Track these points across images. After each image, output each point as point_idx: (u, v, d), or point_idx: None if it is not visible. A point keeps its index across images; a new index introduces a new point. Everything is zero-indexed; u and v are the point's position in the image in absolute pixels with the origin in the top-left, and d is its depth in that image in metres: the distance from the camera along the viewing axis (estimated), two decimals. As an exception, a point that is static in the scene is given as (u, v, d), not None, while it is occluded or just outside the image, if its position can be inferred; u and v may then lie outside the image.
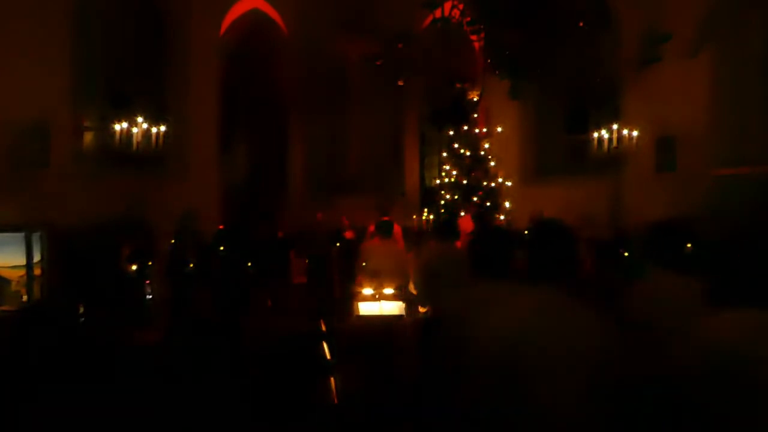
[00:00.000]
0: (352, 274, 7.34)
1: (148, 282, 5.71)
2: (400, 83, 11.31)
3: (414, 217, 11.51)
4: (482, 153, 10.92)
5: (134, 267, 6.05)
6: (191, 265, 6.59)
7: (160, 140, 9.65)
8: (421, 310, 6.14)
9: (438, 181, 11.41)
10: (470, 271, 2.71)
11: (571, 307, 2.21)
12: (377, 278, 6.46)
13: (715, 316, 2.16)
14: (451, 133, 11.08)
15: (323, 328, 5.31)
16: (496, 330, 2.22)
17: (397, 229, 8.66)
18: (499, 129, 11.23)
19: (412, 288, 6.47)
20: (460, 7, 9.87)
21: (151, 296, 5.55)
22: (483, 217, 9.89)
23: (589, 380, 2.11)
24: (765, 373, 1.99)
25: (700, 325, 2.19)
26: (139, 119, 9.49)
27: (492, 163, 10.95)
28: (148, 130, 9.53)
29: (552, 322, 2.18)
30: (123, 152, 9.47)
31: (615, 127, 10.41)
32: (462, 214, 10.09)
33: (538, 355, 2.11)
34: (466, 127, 10.91)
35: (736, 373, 2.02)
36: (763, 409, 1.97)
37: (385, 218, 8.62)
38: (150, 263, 6.28)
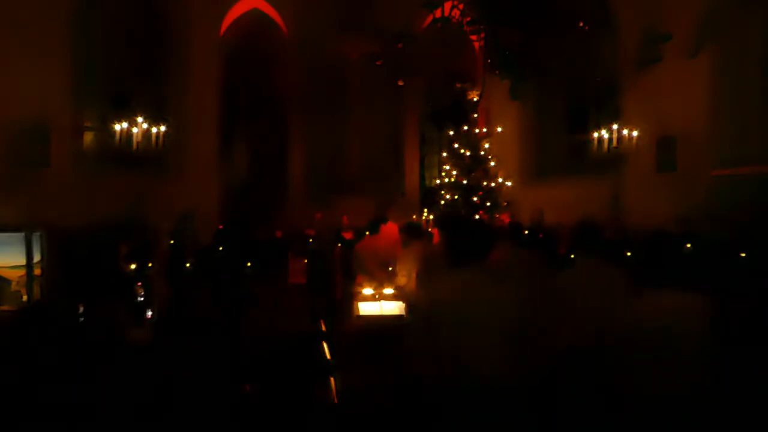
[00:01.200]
0: (351, 275, 7.35)
1: (140, 283, 5.72)
2: (400, 83, 11.30)
3: (414, 217, 11.50)
4: (482, 153, 10.90)
5: (133, 266, 6.05)
6: (188, 265, 6.59)
7: (160, 140, 9.65)
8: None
9: (438, 181, 11.41)
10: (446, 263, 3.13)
11: (490, 285, 2.87)
12: (370, 277, 6.49)
13: (640, 297, 2.77)
14: (451, 133, 11.06)
15: (323, 328, 5.31)
16: (436, 302, 2.92)
17: (393, 227, 8.65)
18: (499, 129, 11.22)
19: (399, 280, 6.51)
20: (460, 7, 9.86)
21: (143, 297, 5.55)
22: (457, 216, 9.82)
23: (504, 340, 2.71)
24: (680, 344, 2.61)
25: (628, 304, 2.80)
26: (139, 119, 9.49)
27: (492, 163, 10.94)
28: (148, 130, 9.53)
29: (475, 296, 2.82)
30: (123, 152, 9.47)
31: (615, 127, 10.39)
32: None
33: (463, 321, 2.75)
34: (466, 127, 10.89)
35: (656, 343, 2.62)
36: (679, 372, 2.60)
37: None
38: (150, 263, 6.28)
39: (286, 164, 13.18)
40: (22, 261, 5.24)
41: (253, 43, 12.54)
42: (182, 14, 10.84)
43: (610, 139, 10.37)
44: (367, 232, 7.57)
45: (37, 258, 5.31)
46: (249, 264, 6.70)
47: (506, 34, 9.49)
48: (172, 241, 7.24)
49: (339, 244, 9.50)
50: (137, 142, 9.45)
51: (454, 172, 10.85)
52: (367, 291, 6.46)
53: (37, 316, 3.32)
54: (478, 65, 11.22)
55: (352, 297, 6.63)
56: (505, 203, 10.52)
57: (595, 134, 10.61)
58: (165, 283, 6.01)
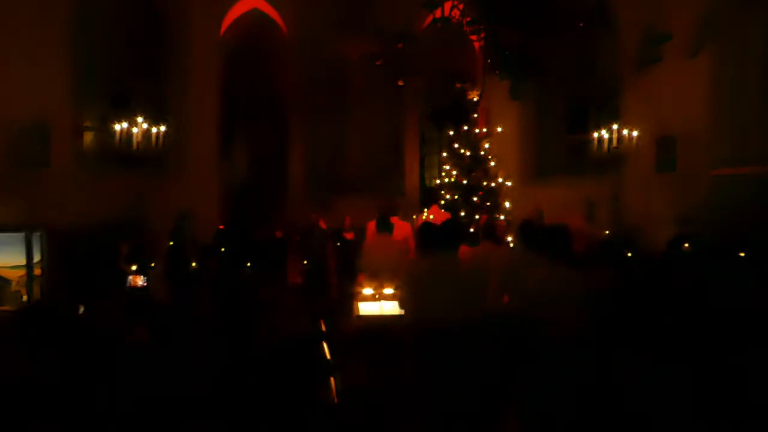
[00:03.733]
0: (351, 275, 7.34)
1: (140, 283, 5.72)
2: (400, 83, 11.29)
3: (414, 217, 11.50)
4: (482, 153, 10.89)
5: (134, 267, 6.06)
6: (193, 264, 6.59)
7: (160, 140, 9.65)
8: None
9: (438, 181, 11.40)
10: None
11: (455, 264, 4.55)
12: (377, 277, 6.47)
13: (530, 271, 4.33)
14: (451, 133, 11.06)
15: (323, 328, 5.31)
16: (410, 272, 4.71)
17: (406, 226, 8.58)
18: (499, 129, 11.21)
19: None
20: (460, 7, 9.84)
21: (143, 297, 5.55)
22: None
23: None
24: (570, 302, 4.04)
25: (519, 278, 4.45)
26: (139, 119, 9.49)
27: (492, 163, 10.93)
28: (148, 130, 9.53)
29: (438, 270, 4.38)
30: (123, 152, 9.48)
31: (615, 127, 10.39)
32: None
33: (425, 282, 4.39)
34: (466, 127, 10.88)
35: (556, 301, 4.04)
36: (569, 320, 3.98)
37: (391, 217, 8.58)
38: (153, 264, 6.29)
39: (286, 164, 13.18)
40: (22, 261, 5.25)
41: (253, 43, 12.53)
42: (182, 14, 10.83)
43: (610, 139, 10.36)
44: (376, 230, 7.36)
45: (37, 258, 5.33)
46: (249, 264, 6.70)
47: (506, 34, 9.47)
48: (171, 242, 7.25)
49: (338, 244, 9.49)
50: (137, 142, 9.45)
51: (454, 172, 10.85)
52: (367, 291, 6.46)
53: (37, 316, 3.32)
54: (478, 65, 11.21)
55: (352, 297, 6.63)
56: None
57: (595, 134, 10.60)
58: (165, 283, 6.01)
